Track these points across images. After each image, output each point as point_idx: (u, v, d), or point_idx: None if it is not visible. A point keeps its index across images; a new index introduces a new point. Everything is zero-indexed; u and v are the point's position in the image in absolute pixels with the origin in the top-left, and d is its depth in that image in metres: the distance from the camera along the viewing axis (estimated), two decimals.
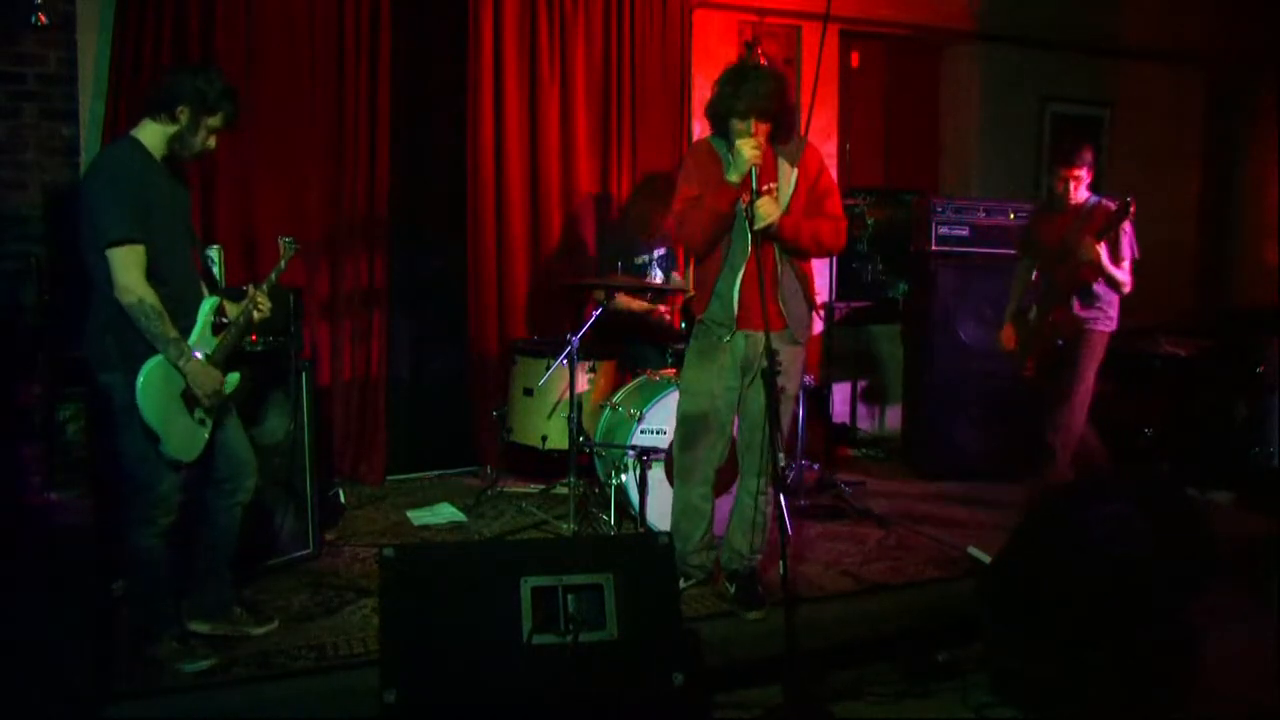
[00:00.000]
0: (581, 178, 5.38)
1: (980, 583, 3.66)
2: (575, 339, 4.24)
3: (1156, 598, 3.17)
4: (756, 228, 3.23)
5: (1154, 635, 3.14)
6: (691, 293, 3.92)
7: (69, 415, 4.12)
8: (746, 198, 3.25)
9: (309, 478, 3.93)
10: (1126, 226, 4.38)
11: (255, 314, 3.13)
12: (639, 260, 5.00)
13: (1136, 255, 4.45)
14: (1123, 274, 4.38)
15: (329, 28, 4.76)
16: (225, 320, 3.09)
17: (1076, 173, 4.48)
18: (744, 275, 3.37)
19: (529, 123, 5.22)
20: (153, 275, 2.85)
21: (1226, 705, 3.22)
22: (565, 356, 4.31)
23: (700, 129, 5.71)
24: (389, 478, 5.14)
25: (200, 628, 3.20)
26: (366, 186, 4.89)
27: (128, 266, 2.80)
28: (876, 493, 5.16)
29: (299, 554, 3.89)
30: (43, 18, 4.20)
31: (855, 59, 7.12)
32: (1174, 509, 3.36)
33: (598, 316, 4.45)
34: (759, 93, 3.26)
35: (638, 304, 5.01)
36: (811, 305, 3.55)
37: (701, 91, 5.70)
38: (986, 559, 3.87)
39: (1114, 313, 4.50)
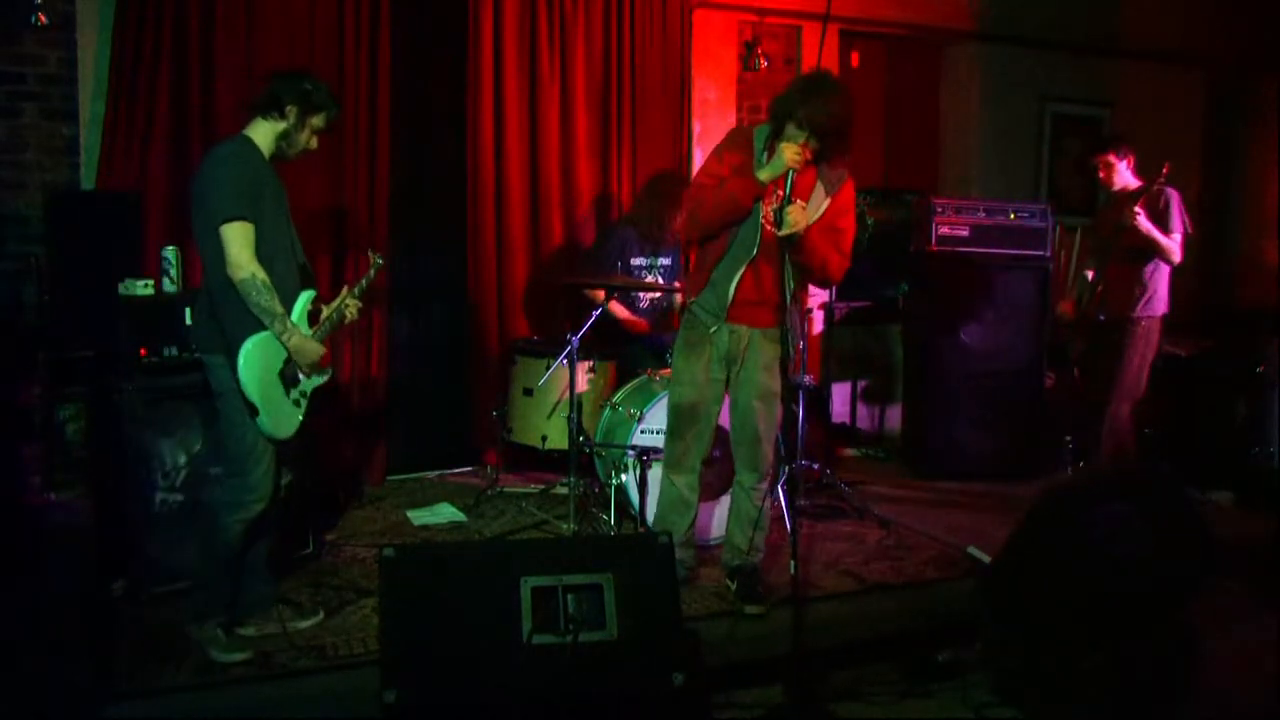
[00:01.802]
0: (581, 178, 5.37)
1: (980, 583, 3.66)
2: (575, 339, 4.24)
3: (1156, 598, 3.17)
4: (782, 233, 3.18)
5: (1154, 636, 3.14)
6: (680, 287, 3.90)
7: (69, 415, 4.12)
8: (779, 197, 3.21)
9: (309, 478, 3.93)
10: (1175, 200, 4.57)
11: (347, 315, 3.29)
12: (636, 262, 4.98)
13: (1189, 230, 4.63)
14: (1170, 242, 4.55)
15: (329, 28, 4.75)
16: (319, 313, 3.24)
17: (1106, 159, 4.71)
18: (744, 272, 3.37)
19: (529, 123, 5.22)
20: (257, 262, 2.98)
21: (1226, 705, 3.22)
22: (565, 356, 4.31)
23: (700, 129, 5.71)
24: (389, 478, 5.14)
25: (246, 631, 3.22)
26: (367, 187, 4.88)
27: (241, 243, 2.93)
28: (876, 493, 5.16)
29: (299, 554, 3.89)
30: (43, 18, 4.20)
31: (855, 59, 7.13)
32: (1174, 509, 3.36)
33: (598, 316, 4.45)
34: (823, 110, 3.19)
35: (624, 314, 4.96)
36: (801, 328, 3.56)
37: (702, 91, 5.72)
38: (986, 559, 3.87)
39: (1159, 300, 4.70)
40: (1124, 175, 4.71)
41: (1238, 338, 5.81)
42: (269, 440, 3.06)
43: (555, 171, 5.30)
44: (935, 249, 5.56)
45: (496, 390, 5.11)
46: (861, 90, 7.23)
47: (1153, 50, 6.85)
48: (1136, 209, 4.45)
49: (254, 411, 2.98)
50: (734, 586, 3.57)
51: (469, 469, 5.38)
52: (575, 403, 4.25)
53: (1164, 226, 4.54)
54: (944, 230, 5.56)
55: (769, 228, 3.30)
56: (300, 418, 3.14)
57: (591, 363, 4.70)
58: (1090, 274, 5.00)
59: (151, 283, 3.69)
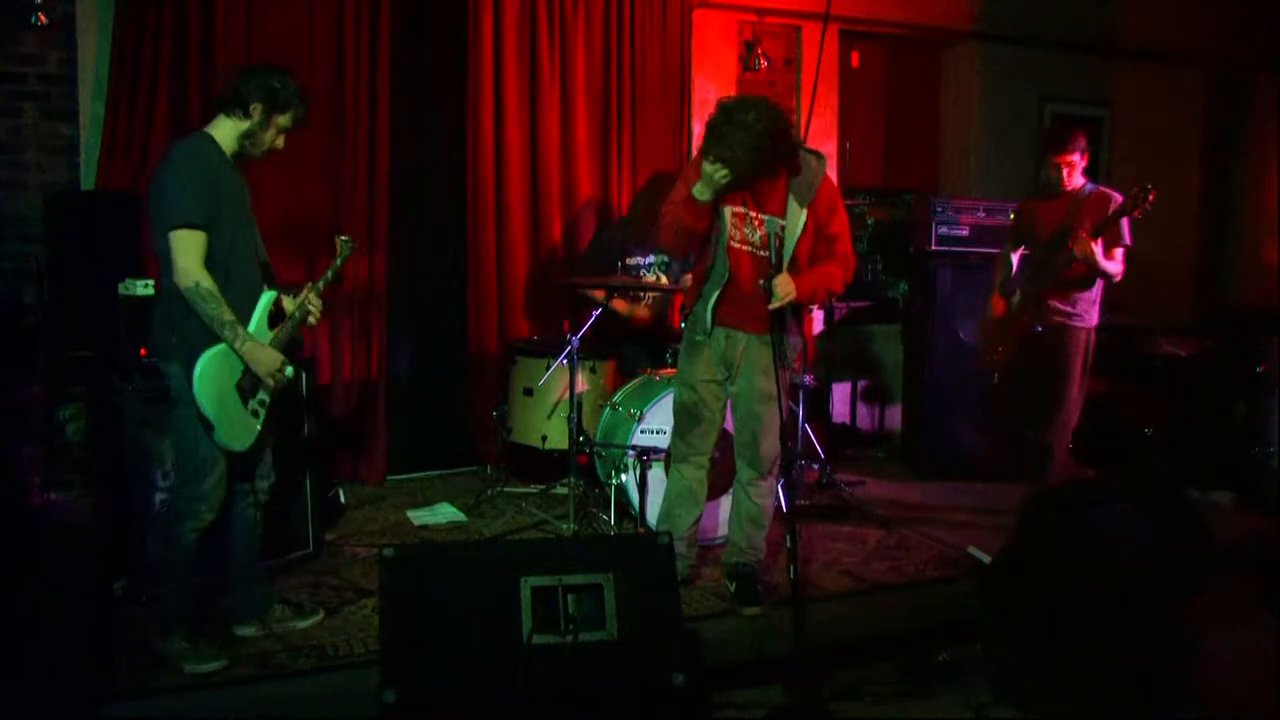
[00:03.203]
0: (581, 178, 5.37)
1: (980, 583, 3.66)
2: (575, 339, 4.24)
3: (1156, 598, 3.17)
4: (772, 306, 3.20)
5: (1154, 636, 3.14)
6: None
7: (69, 415, 4.12)
8: (756, 220, 3.23)
9: (309, 478, 3.93)
10: (1125, 219, 4.24)
11: (310, 317, 3.20)
12: (633, 262, 4.98)
13: (1129, 244, 4.30)
14: (1115, 265, 4.24)
15: (329, 28, 4.75)
16: (282, 313, 3.16)
17: (1069, 158, 4.35)
18: (720, 293, 3.41)
19: (529, 123, 5.22)
20: (216, 265, 2.92)
21: (1226, 706, 3.22)
22: (565, 356, 4.31)
23: (700, 129, 5.70)
24: (389, 478, 5.15)
25: (246, 631, 3.21)
26: (367, 186, 4.88)
27: (188, 250, 2.86)
28: (876, 493, 5.17)
29: (299, 554, 3.89)
30: (43, 18, 4.21)
31: (855, 59, 7.13)
32: (1174, 509, 3.36)
33: (598, 316, 4.45)
34: (727, 144, 3.15)
35: (624, 306, 4.96)
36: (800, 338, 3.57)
37: (702, 91, 5.71)
38: (986, 559, 3.87)
39: (1095, 310, 4.38)
40: (1079, 175, 4.38)
41: (1238, 338, 5.80)
42: (224, 452, 2.99)
43: (555, 171, 5.30)
44: (935, 249, 5.57)
45: (496, 390, 5.11)
46: (861, 90, 7.25)
47: (1153, 50, 6.85)
48: (1095, 243, 4.09)
49: (209, 427, 2.91)
50: (733, 587, 3.57)
51: (469, 469, 5.38)
52: (575, 403, 4.25)
53: (1111, 245, 4.21)
54: (944, 230, 5.57)
55: (754, 272, 3.33)
56: (259, 427, 3.06)
57: (592, 363, 4.70)
58: (1015, 266, 4.61)
59: (151, 283, 3.68)
